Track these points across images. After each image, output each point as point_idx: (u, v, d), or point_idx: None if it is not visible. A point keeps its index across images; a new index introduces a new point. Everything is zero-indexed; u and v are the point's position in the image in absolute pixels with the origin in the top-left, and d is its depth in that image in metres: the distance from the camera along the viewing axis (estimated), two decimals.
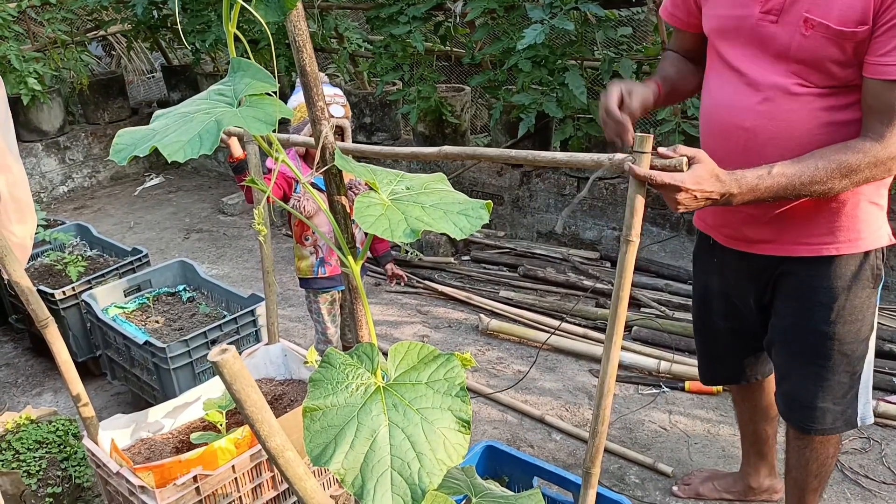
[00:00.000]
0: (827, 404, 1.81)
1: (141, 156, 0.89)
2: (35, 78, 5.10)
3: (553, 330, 3.31)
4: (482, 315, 3.50)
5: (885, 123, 1.45)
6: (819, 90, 1.54)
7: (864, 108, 1.50)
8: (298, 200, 2.59)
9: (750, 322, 1.94)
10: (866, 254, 1.69)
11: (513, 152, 1.88)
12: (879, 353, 2.94)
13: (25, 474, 2.17)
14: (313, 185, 2.56)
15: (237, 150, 2.54)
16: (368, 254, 2.88)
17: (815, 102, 1.54)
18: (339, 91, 2.63)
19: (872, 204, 1.66)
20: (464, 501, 1.44)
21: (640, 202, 1.30)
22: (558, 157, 1.75)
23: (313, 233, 2.66)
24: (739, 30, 1.59)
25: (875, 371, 2.84)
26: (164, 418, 2.23)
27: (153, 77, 7.35)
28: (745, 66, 1.61)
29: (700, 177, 1.36)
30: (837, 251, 1.68)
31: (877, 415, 2.64)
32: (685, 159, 1.31)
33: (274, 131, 0.93)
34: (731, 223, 1.80)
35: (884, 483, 2.40)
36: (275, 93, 0.95)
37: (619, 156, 1.33)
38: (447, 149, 2.00)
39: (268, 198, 2.39)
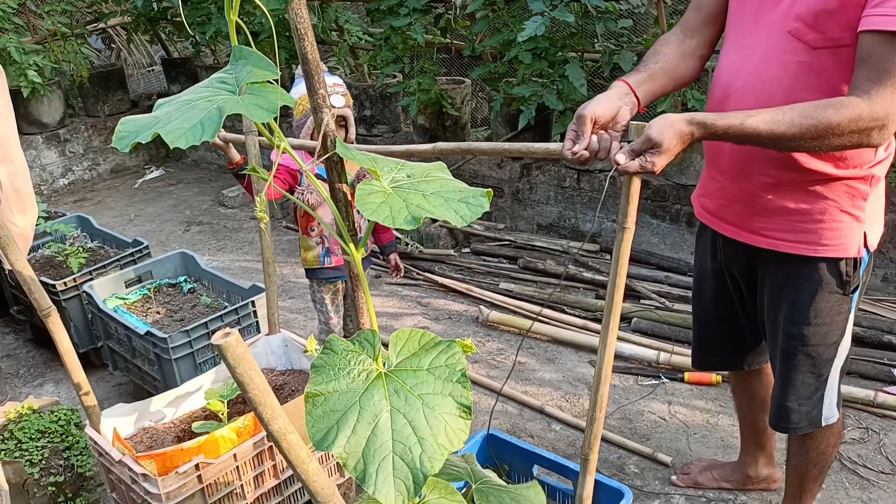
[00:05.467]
0: (792, 403, 1.82)
1: (143, 142, 0.90)
2: (35, 70, 5.10)
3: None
4: (482, 307, 3.51)
5: (872, 80, 1.40)
6: (812, 53, 1.51)
7: (856, 65, 1.45)
8: (302, 193, 2.60)
9: (737, 307, 1.97)
10: (834, 261, 1.68)
11: (507, 145, 1.89)
12: (878, 345, 2.96)
13: (28, 464, 2.19)
14: (317, 175, 2.57)
15: (234, 155, 2.54)
16: (375, 246, 2.90)
17: (805, 70, 1.53)
18: (338, 80, 2.62)
19: (845, 213, 1.64)
20: (464, 488, 1.45)
21: (635, 189, 1.31)
22: (551, 148, 1.77)
23: (319, 223, 2.67)
24: None
25: (874, 362, 2.87)
26: (166, 407, 2.24)
27: (153, 70, 7.34)
28: (752, 29, 1.62)
29: (670, 153, 1.38)
30: (796, 250, 1.69)
31: (875, 405, 2.65)
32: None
33: (275, 119, 0.93)
34: (716, 199, 1.83)
35: (882, 473, 2.41)
36: (276, 81, 0.95)
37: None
38: (441, 145, 2.02)
39: (269, 190, 2.39)
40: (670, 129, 1.37)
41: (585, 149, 1.46)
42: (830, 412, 1.84)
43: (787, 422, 1.85)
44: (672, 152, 1.39)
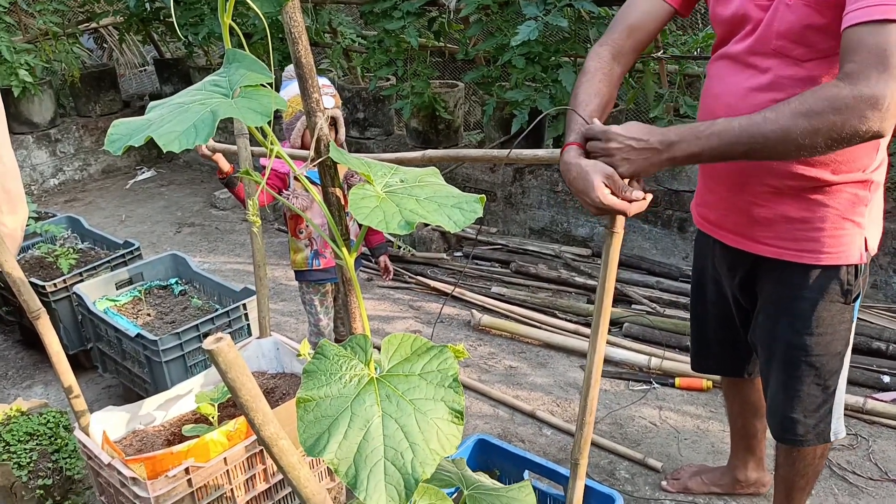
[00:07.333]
0: (798, 416, 1.81)
1: (136, 146, 0.89)
2: (26, 70, 5.07)
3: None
4: (474, 311, 3.51)
5: (856, 64, 1.31)
6: (801, 66, 1.51)
7: (840, 62, 1.38)
8: (288, 198, 2.60)
9: (735, 315, 1.96)
10: (836, 269, 1.67)
11: (495, 152, 1.90)
12: (867, 351, 2.98)
13: (16, 466, 2.17)
14: (307, 178, 2.56)
15: (224, 165, 2.53)
16: (364, 249, 2.89)
17: (794, 84, 1.52)
18: (326, 81, 2.63)
19: (846, 220, 1.63)
20: (455, 494, 1.45)
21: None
22: (540, 155, 1.79)
23: (307, 226, 2.67)
24: (734, 22, 1.60)
25: (863, 368, 2.88)
26: (156, 410, 2.22)
27: (145, 70, 7.31)
28: (737, 57, 1.62)
29: (630, 128, 1.37)
30: (798, 259, 1.68)
31: (864, 412, 2.66)
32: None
33: (269, 123, 0.93)
34: (716, 209, 1.82)
35: (871, 479, 2.42)
36: (270, 84, 0.95)
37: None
38: (430, 153, 2.04)
39: (261, 195, 2.39)
40: (632, 124, 1.38)
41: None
42: (839, 427, 1.83)
43: (793, 434, 1.83)
44: (617, 136, 1.36)
